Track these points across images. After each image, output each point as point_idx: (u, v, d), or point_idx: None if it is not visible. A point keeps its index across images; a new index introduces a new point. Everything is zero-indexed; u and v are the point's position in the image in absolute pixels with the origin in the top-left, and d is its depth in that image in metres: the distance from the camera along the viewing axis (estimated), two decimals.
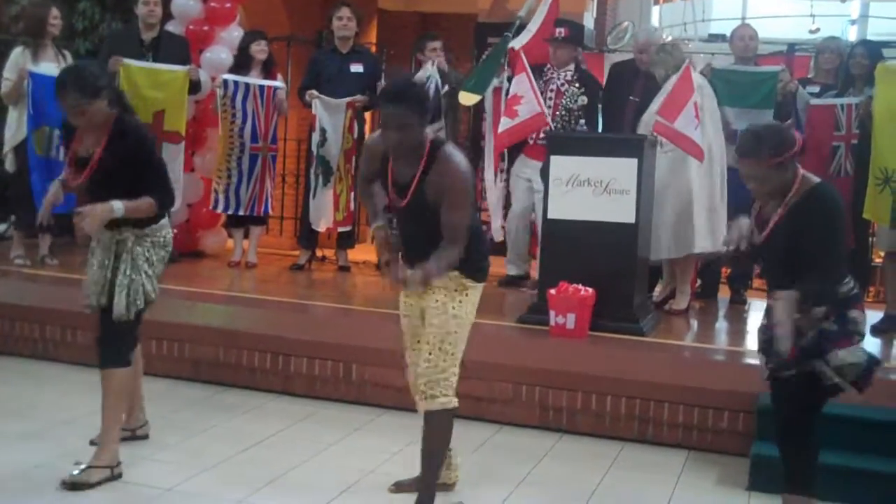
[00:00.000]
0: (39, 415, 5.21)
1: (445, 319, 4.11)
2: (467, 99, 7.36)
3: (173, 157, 7.37)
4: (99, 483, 4.34)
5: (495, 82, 7.34)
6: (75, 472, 4.36)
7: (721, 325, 7.10)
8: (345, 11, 7.87)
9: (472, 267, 4.16)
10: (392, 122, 3.89)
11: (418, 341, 4.22)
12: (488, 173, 7.42)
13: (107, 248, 4.48)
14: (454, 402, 4.16)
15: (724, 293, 7.64)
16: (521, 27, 7.52)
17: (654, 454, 5.23)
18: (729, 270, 7.66)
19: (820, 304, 3.78)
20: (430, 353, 4.12)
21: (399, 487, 4.47)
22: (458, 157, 4.01)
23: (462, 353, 4.20)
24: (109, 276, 4.46)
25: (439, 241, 3.97)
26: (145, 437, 4.94)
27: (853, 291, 3.88)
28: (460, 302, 4.13)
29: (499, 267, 7.74)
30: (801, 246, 3.77)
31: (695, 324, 6.79)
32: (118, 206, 4.25)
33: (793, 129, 4.20)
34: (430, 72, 7.55)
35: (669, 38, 7.04)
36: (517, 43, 7.29)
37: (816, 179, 3.90)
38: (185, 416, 5.43)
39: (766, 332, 3.95)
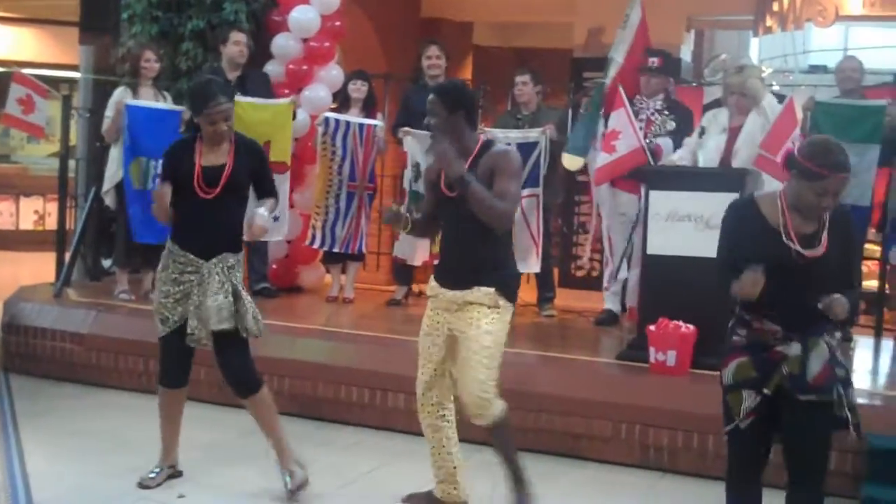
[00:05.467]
0: (141, 448, 5.29)
1: (478, 333, 4.26)
2: (571, 163, 7.19)
3: (279, 186, 7.45)
4: (307, 477, 4.74)
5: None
6: (287, 481, 4.70)
7: None
8: (433, 50, 7.93)
9: (505, 285, 4.34)
10: (427, 108, 4.43)
11: (431, 361, 4.44)
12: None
13: (220, 273, 4.62)
14: (501, 405, 4.36)
15: None
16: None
17: None
18: None
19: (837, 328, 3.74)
20: (471, 369, 4.26)
21: (410, 500, 4.69)
22: (510, 148, 4.45)
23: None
24: (231, 299, 4.61)
25: (483, 240, 4.26)
26: (181, 474, 5.00)
27: None
28: (493, 319, 4.29)
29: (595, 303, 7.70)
30: (842, 260, 3.73)
31: None
32: (263, 213, 4.74)
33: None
34: (540, 142, 7.38)
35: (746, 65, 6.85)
36: (608, 79, 7.23)
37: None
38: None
39: (764, 361, 3.75)
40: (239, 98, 7.46)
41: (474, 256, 4.32)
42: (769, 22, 9.86)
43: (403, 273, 8.22)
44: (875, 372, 6.61)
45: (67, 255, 8.03)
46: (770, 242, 3.73)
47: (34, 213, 14.74)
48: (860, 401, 5.35)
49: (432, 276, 4.52)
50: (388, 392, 5.94)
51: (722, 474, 5.20)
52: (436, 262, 7.74)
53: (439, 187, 4.40)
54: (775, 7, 9.69)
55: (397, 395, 5.93)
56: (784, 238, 3.71)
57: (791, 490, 3.87)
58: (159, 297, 4.76)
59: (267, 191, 4.88)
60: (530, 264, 7.39)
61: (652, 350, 5.74)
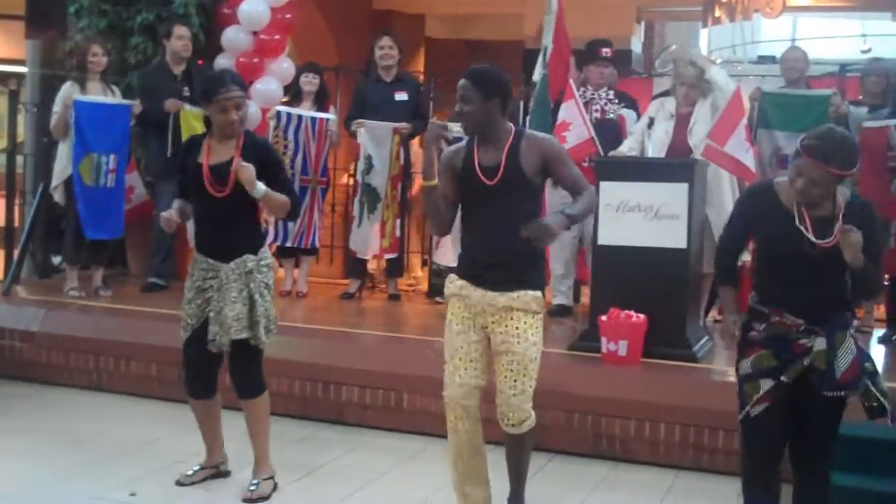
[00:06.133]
0: (94, 446, 5.25)
1: (527, 346, 4.12)
2: None
3: None
4: (272, 493, 4.68)
5: None
6: (252, 488, 4.64)
7: None
8: (386, 40, 7.91)
9: (543, 286, 4.24)
10: (458, 94, 4.11)
11: (471, 360, 4.17)
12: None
13: (238, 280, 4.55)
14: (534, 416, 4.22)
15: None
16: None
17: (710, 482, 5.15)
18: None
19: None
20: (515, 381, 4.12)
21: None
22: (551, 136, 4.32)
23: None
24: (247, 307, 4.55)
25: (517, 228, 3.94)
26: (228, 473, 4.96)
27: None
28: (537, 328, 4.17)
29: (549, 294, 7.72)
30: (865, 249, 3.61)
31: None
32: (262, 186, 4.45)
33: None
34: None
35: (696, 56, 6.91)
36: (544, 68, 7.23)
37: (846, 189, 3.82)
38: (233, 446, 5.45)
39: (786, 351, 3.71)
40: (189, 107, 7.45)
41: (516, 253, 4.08)
42: (718, 13, 9.97)
43: (357, 266, 8.21)
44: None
45: (16, 253, 7.94)
46: (785, 227, 3.69)
47: None
48: None
49: (455, 275, 4.26)
50: (342, 386, 5.94)
51: (673, 462, 5.32)
52: (388, 256, 7.94)
53: (474, 174, 4.13)
54: None
55: (351, 389, 5.93)
56: (797, 222, 3.68)
57: (800, 480, 3.87)
58: (184, 304, 4.70)
59: (279, 189, 4.59)
60: None
61: (604, 340, 5.78)
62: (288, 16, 8.47)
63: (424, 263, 9.17)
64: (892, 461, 4.77)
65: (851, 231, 3.53)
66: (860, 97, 7.36)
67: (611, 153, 6.71)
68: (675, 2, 11.31)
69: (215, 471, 4.91)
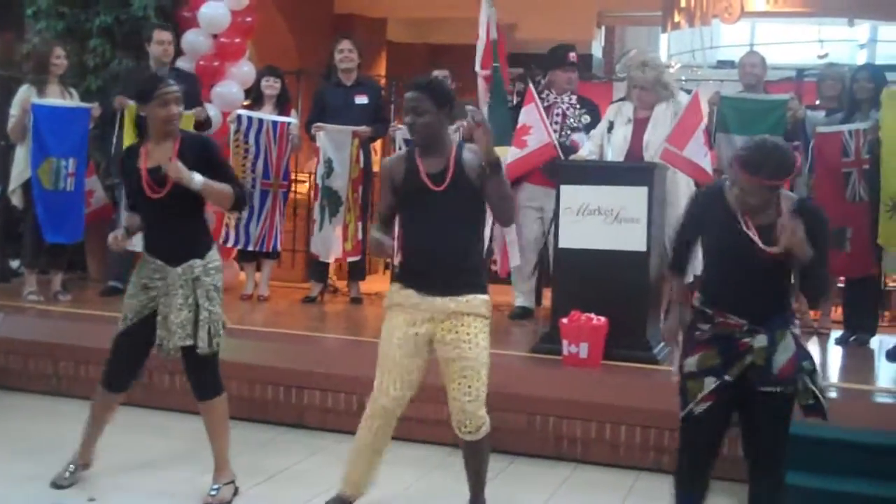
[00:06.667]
0: (52, 452, 5.20)
1: (479, 352, 4.16)
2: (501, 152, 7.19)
3: None
4: (232, 498, 4.67)
5: None
6: (212, 493, 4.62)
7: None
8: (345, 44, 7.91)
9: (487, 292, 4.25)
10: (409, 106, 4.15)
11: (408, 373, 4.22)
12: None
13: (185, 286, 4.54)
14: (488, 420, 4.25)
15: None
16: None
17: (670, 483, 5.17)
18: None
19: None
20: (469, 387, 4.15)
21: None
22: None
23: None
24: (192, 313, 4.55)
25: (470, 238, 4.14)
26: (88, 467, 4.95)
27: None
28: (486, 333, 4.21)
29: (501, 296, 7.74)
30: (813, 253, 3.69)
31: None
32: (199, 178, 4.42)
33: (793, 151, 4.11)
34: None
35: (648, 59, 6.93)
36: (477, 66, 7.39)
37: (792, 194, 3.92)
38: (193, 448, 5.42)
39: (729, 350, 3.78)
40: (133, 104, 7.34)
41: (462, 257, 4.15)
42: (677, 18, 10.04)
43: (318, 270, 8.20)
44: None
45: None
46: (730, 231, 3.75)
47: None
48: None
49: (397, 283, 4.29)
50: (304, 390, 5.93)
51: (634, 463, 5.36)
52: (350, 259, 7.93)
53: (420, 180, 4.17)
54: (683, 3, 9.87)
55: (312, 393, 5.92)
56: (745, 228, 3.73)
57: (753, 479, 3.91)
58: (126, 297, 4.73)
59: (226, 180, 4.60)
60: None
61: (565, 343, 5.80)
62: (248, 19, 8.45)
63: (387, 267, 9.17)
64: (851, 461, 4.84)
65: (794, 223, 3.60)
66: (817, 102, 7.46)
67: (571, 157, 6.74)
68: (635, 6, 11.38)
69: (85, 469, 4.89)
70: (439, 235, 4.14)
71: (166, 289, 4.56)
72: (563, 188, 6.05)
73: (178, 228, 4.59)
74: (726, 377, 3.76)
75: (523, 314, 7.44)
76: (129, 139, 6.62)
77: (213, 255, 4.68)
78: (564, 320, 5.81)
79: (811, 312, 7.23)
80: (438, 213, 4.14)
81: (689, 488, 3.95)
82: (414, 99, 4.13)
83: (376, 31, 12.16)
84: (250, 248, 7.95)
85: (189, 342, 4.54)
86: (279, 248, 8.17)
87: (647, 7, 10.79)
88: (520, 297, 7.53)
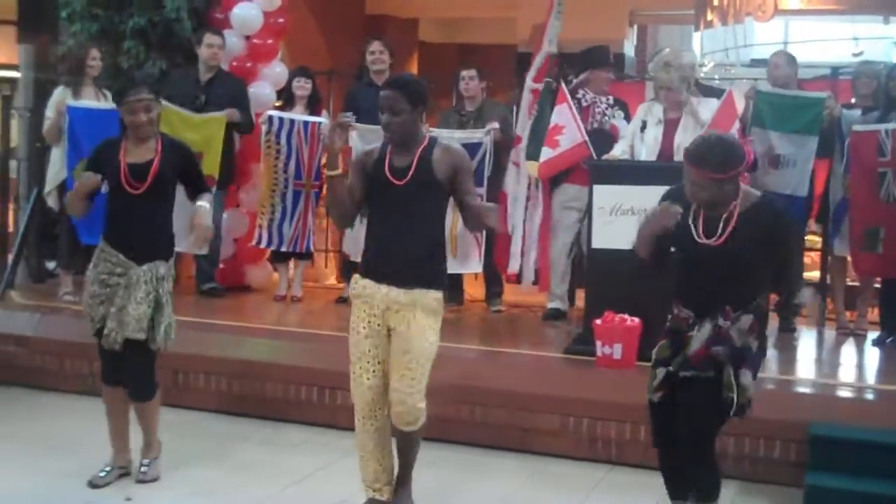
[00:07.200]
0: (88, 451, 5.24)
1: (426, 346, 4.24)
2: (534, 169, 7.12)
3: None
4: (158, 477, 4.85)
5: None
6: (144, 469, 4.82)
7: (770, 353, 6.98)
8: (376, 45, 7.91)
9: (445, 286, 4.35)
10: (385, 104, 4.25)
11: (379, 362, 4.27)
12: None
13: (148, 283, 4.64)
14: (425, 412, 4.34)
15: (773, 321, 7.54)
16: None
17: None
18: (778, 298, 7.57)
19: (751, 313, 3.86)
20: (412, 380, 4.23)
21: None
22: (460, 147, 4.46)
23: None
24: (152, 309, 4.64)
25: (430, 233, 4.24)
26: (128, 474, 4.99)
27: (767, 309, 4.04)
28: (435, 329, 4.28)
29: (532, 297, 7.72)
30: (761, 254, 3.82)
31: None
32: (207, 207, 4.80)
33: (742, 144, 4.16)
34: (484, 142, 7.33)
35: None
36: (530, 78, 7.32)
37: (758, 192, 4.03)
38: (225, 448, 5.45)
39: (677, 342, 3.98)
40: (167, 105, 7.33)
41: (420, 250, 4.22)
42: (710, 16, 9.97)
43: (351, 270, 8.18)
44: (818, 361, 6.71)
45: (10, 258, 7.93)
46: (683, 224, 3.89)
47: None
48: (802, 390, 5.54)
49: (358, 276, 4.36)
50: (337, 390, 5.93)
51: None
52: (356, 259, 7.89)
53: (383, 174, 4.26)
54: (716, 2, 9.80)
55: (346, 393, 5.87)
56: (690, 220, 3.88)
57: (687, 466, 4.06)
58: (86, 297, 4.80)
59: (199, 188, 4.94)
60: (472, 265, 7.41)
61: (598, 344, 5.78)
62: (280, 20, 8.48)
63: None
64: (873, 462, 4.81)
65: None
66: (852, 100, 7.38)
67: (603, 157, 6.71)
68: (668, 5, 11.32)
69: (123, 471, 4.92)
70: (397, 228, 4.24)
71: (128, 282, 4.65)
72: (596, 188, 6.03)
73: (147, 225, 4.72)
74: (669, 368, 3.96)
75: (556, 315, 7.41)
76: None
77: (174, 260, 4.87)
78: (598, 321, 5.79)
79: (847, 313, 7.19)
80: (398, 207, 4.24)
81: (666, 452, 4.15)
82: (390, 98, 4.25)
83: (408, 32, 12.18)
84: (283, 249, 7.97)
85: (141, 336, 4.62)
86: (312, 248, 8.18)
87: (680, 5, 10.74)
88: (553, 299, 7.49)
